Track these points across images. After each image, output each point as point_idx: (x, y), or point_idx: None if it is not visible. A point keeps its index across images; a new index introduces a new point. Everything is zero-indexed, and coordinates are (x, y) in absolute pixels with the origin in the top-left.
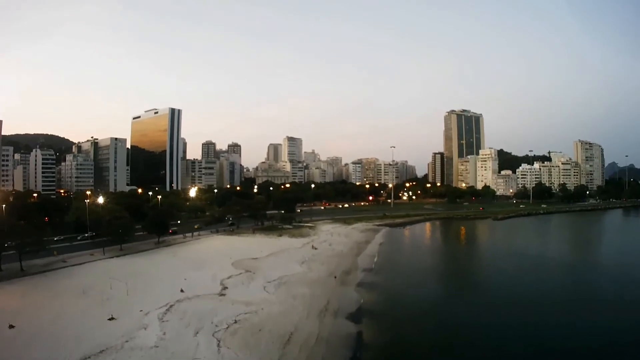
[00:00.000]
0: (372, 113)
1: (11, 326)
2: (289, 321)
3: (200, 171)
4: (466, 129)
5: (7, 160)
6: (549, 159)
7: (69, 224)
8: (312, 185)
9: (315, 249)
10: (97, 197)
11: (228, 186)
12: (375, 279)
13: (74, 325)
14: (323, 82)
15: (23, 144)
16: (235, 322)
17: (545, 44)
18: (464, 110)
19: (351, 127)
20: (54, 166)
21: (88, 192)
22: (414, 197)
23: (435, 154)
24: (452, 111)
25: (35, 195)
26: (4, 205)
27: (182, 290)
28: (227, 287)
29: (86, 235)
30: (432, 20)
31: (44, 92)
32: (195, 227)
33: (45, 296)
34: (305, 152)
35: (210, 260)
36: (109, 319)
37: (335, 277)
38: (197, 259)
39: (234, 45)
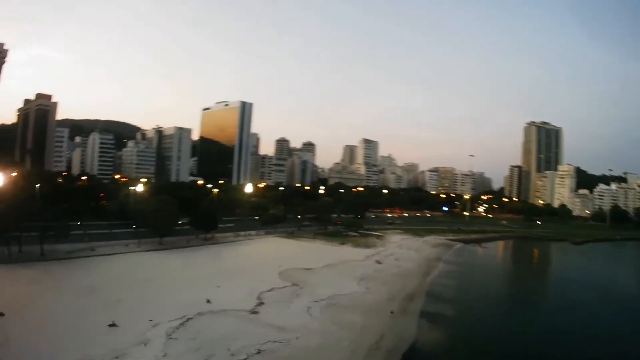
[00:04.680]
0: (449, 121)
1: (1, 314)
2: None
3: (271, 167)
4: (545, 142)
5: (62, 142)
6: (624, 179)
7: (113, 211)
8: (386, 191)
9: (380, 263)
10: (147, 186)
11: (298, 185)
12: (443, 309)
13: (67, 325)
14: (401, 87)
15: (87, 128)
16: (258, 352)
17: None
18: (544, 123)
19: (427, 134)
20: (113, 151)
21: (144, 180)
22: (490, 212)
23: (512, 166)
24: (532, 122)
25: (85, 178)
26: (37, 185)
27: (208, 301)
28: (263, 303)
29: (120, 223)
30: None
31: (112, 79)
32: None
33: (50, 286)
34: (381, 156)
35: (255, 266)
36: (109, 325)
37: (392, 312)
38: (241, 263)
39: (316, 48)
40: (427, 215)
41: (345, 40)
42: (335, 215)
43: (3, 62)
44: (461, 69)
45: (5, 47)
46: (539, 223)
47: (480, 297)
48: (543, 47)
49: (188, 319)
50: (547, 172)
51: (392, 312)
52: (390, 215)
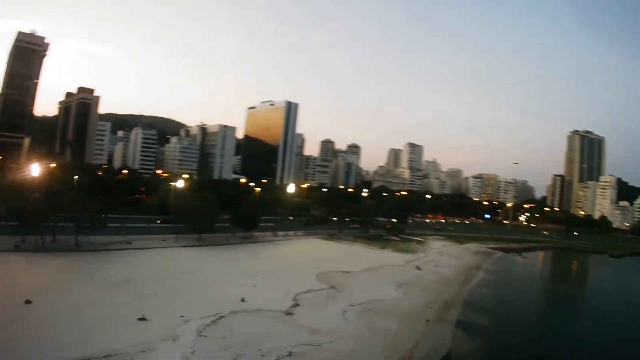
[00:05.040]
0: (494, 128)
1: (28, 301)
2: None
3: (315, 168)
4: (588, 152)
5: (104, 135)
6: None
7: (152, 205)
8: (429, 196)
9: (419, 269)
10: (188, 182)
11: (341, 187)
12: (479, 319)
13: (94, 316)
14: (447, 92)
15: (131, 123)
16: (290, 354)
17: None
18: (587, 132)
19: (471, 140)
20: (156, 146)
21: (185, 176)
22: (531, 221)
23: (555, 176)
24: (576, 131)
25: (125, 171)
26: (75, 177)
27: (243, 300)
28: (298, 305)
29: (158, 219)
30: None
31: (159, 76)
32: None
33: (81, 277)
34: (425, 161)
35: (293, 267)
36: (139, 319)
37: (428, 321)
38: (279, 263)
39: (363, 51)
40: (469, 222)
41: (392, 45)
42: (383, 219)
43: (44, 56)
44: (508, 75)
45: (46, 40)
46: (576, 234)
47: (517, 309)
48: (589, 56)
49: (220, 317)
50: (589, 182)
51: (427, 321)
52: (433, 221)
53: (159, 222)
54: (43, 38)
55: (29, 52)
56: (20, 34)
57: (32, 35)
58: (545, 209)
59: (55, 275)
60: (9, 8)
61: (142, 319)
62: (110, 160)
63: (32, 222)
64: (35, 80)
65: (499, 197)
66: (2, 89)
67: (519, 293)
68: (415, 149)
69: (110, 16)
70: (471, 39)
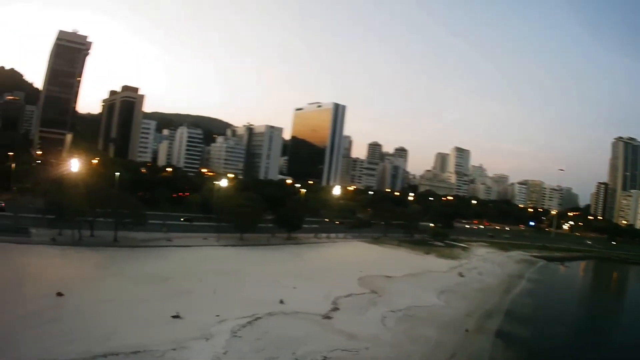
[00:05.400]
0: (539, 133)
1: (59, 294)
2: None
3: (361, 171)
4: (632, 159)
5: (148, 134)
6: None
7: (195, 204)
8: (475, 202)
9: (462, 276)
10: (233, 181)
11: (388, 190)
12: (519, 329)
13: (129, 312)
14: (495, 97)
15: (177, 122)
16: (324, 359)
17: None
18: (631, 139)
19: (517, 145)
20: (201, 145)
21: (231, 175)
22: (575, 229)
23: (599, 183)
24: (620, 138)
25: (169, 169)
26: (117, 173)
27: (281, 302)
28: (338, 309)
29: (201, 216)
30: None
31: (205, 76)
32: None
33: (116, 271)
34: (472, 166)
35: (335, 270)
36: (173, 316)
37: (467, 331)
38: (321, 266)
39: (412, 55)
40: (513, 229)
41: (440, 51)
42: (432, 225)
43: (87, 54)
44: (555, 81)
45: (89, 39)
46: (614, 243)
47: (558, 320)
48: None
49: (257, 318)
50: (632, 190)
51: (466, 330)
52: (480, 226)
53: (182, 219)
54: (85, 37)
55: (71, 50)
56: (61, 32)
57: (74, 34)
58: (588, 217)
59: (90, 269)
60: (59, 8)
61: (176, 316)
62: (155, 159)
63: (70, 216)
64: (78, 78)
65: (543, 204)
66: (44, 86)
67: (560, 304)
68: (462, 153)
69: (163, 18)
70: (518, 47)
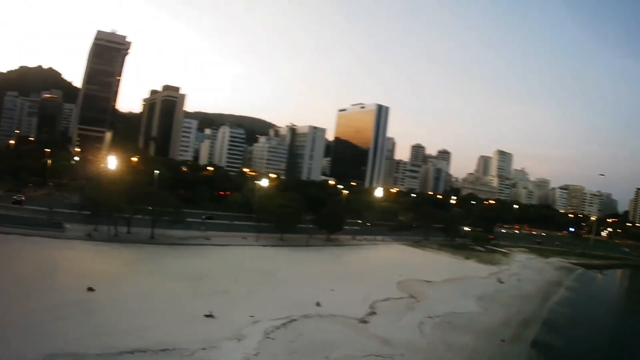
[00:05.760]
0: (580, 138)
1: (90, 289)
2: None
3: (404, 173)
4: None
5: (189, 132)
6: None
7: (236, 203)
8: (516, 206)
9: (502, 282)
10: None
11: (430, 193)
12: (556, 340)
13: (161, 310)
14: (538, 100)
15: (219, 122)
16: None
17: None
18: None
19: (558, 149)
20: (243, 145)
21: (273, 175)
22: (613, 236)
23: (638, 189)
24: None
25: (210, 168)
26: (156, 171)
27: (318, 304)
28: (375, 313)
29: (241, 216)
30: None
31: (248, 76)
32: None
33: (151, 269)
34: (514, 170)
35: (375, 273)
36: (206, 315)
37: (503, 341)
38: (360, 268)
39: (456, 58)
40: (550, 234)
41: (483, 55)
42: (467, 229)
43: (126, 54)
44: (598, 86)
45: (127, 39)
46: None
47: (595, 332)
48: None
49: (292, 320)
50: None
51: (502, 341)
52: (523, 232)
53: (204, 217)
54: (124, 37)
55: (109, 50)
56: (99, 32)
57: (112, 34)
58: (627, 224)
59: (124, 266)
60: (99, 8)
61: (209, 315)
62: (196, 158)
63: (106, 212)
64: (117, 77)
65: (583, 210)
66: (83, 84)
67: (597, 314)
68: (504, 156)
69: (208, 18)
70: (560, 53)
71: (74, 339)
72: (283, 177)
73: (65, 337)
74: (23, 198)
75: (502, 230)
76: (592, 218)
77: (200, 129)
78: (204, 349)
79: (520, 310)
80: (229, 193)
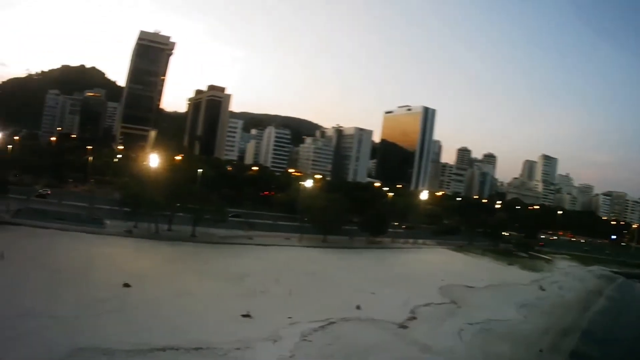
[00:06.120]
0: (623, 143)
1: (126, 285)
2: None
3: (450, 176)
4: None
5: (235, 132)
6: None
7: (281, 203)
8: (560, 212)
9: (543, 290)
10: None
11: (476, 197)
12: (594, 351)
13: (196, 308)
14: (586, 105)
15: (265, 122)
16: None
17: None
18: None
19: (602, 155)
20: (289, 146)
21: (319, 177)
22: None
23: None
24: None
25: (256, 168)
26: (200, 170)
27: (358, 307)
28: (415, 318)
29: (285, 216)
30: None
31: (296, 78)
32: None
33: (189, 267)
34: (559, 175)
35: (417, 277)
36: (243, 315)
37: (541, 351)
38: (403, 272)
39: (503, 62)
40: (594, 241)
41: (526, 61)
42: (506, 234)
43: (170, 54)
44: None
45: (171, 39)
46: None
47: (634, 345)
48: None
49: (330, 323)
50: None
51: (540, 351)
52: (567, 239)
53: (231, 215)
54: (168, 37)
55: (153, 50)
56: (142, 33)
57: (155, 34)
58: None
59: (163, 263)
60: (144, 9)
61: (246, 315)
62: (242, 158)
63: (147, 209)
64: (162, 77)
65: (625, 217)
66: (127, 84)
67: (637, 326)
68: (549, 161)
69: (252, 20)
70: (603, 60)
71: (105, 335)
72: (329, 179)
73: (96, 332)
74: (49, 192)
75: (551, 238)
76: (633, 226)
77: (247, 129)
78: (238, 349)
79: (560, 319)
80: (272, 193)
